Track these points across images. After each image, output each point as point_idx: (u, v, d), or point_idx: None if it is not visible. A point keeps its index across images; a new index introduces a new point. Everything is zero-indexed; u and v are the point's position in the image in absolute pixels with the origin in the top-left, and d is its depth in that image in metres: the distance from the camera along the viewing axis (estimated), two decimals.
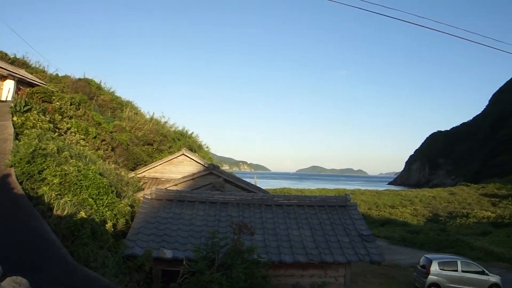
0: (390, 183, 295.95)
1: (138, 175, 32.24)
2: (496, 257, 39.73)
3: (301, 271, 17.69)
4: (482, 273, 28.30)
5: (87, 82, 51.40)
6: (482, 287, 27.88)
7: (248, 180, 34.83)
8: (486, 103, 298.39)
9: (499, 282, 28.20)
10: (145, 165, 36.54)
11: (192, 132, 59.12)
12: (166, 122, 55.84)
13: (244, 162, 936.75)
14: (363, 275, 30.23)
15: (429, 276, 27.53)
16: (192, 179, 28.47)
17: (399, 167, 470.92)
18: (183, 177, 29.36)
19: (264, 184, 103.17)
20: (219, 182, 26.17)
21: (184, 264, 14.12)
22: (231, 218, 17.93)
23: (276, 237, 17.81)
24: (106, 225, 16.33)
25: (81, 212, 15.16)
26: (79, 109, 36.87)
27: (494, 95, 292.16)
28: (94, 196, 17.23)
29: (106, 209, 17.39)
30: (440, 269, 27.82)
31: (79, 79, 52.20)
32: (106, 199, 17.69)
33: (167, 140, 47.54)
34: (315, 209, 20.23)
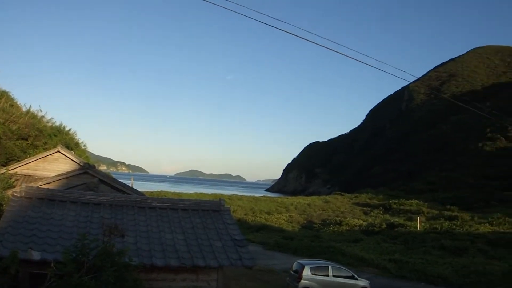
0: (267, 190, 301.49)
1: (10, 171, 30.87)
2: (366, 263, 41.41)
3: (173, 275, 17.62)
4: (352, 277, 29.54)
5: None
6: None
7: (125, 181, 34.39)
8: (363, 118, 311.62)
9: (367, 286, 29.65)
10: (18, 160, 35.05)
11: (70, 129, 57.57)
12: (43, 117, 53.76)
13: (122, 163, 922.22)
14: (237, 279, 30.53)
15: (302, 281, 28.24)
16: (66, 178, 27.71)
17: (277, 174, 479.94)
18: (57, 176, 28.53)
19: (141, 187, 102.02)
20: (93, 182, 25.65)
21: (52, 267, 13.72)
22: (104, 219, 17.55)
23: (149, 240, 17.66)
24: None
25: None
26: None
27: (371, 111, 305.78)
28: None
29: None
30: (312, 274, 28.61)
31: None
32: None
33: (43, 136, 45.91)
34: (188, 213, 20.22)
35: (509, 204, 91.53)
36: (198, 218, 20.00)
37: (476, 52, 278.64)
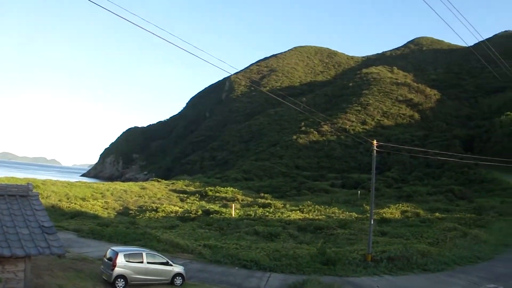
0: (83, 175, 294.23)
1: None
2: (181, 249, 41.72)
3: None
4: (167, 264, 29.72)
5: None
6: (167, 276, 29.37)
7: None
8: (184, 105, 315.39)
9: (182, 272, 29.95)
10: None
11: None
12: None
13: None
14: (50, 269, 29.28)
15: (116, 268, 27.70)
16: None
17: (94, 159, 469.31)
18: None
19: None
20: None
21: None
22: None
23: None
24: None
25: None
26: None
27: (191, 98, 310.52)
28: None
29: None
30: (126, 261, 28.21)
31: None
32: None
33: None
34: None
35: (318, 193, 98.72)
36: (3, 203, 18.91)
37: (297, 50, 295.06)
